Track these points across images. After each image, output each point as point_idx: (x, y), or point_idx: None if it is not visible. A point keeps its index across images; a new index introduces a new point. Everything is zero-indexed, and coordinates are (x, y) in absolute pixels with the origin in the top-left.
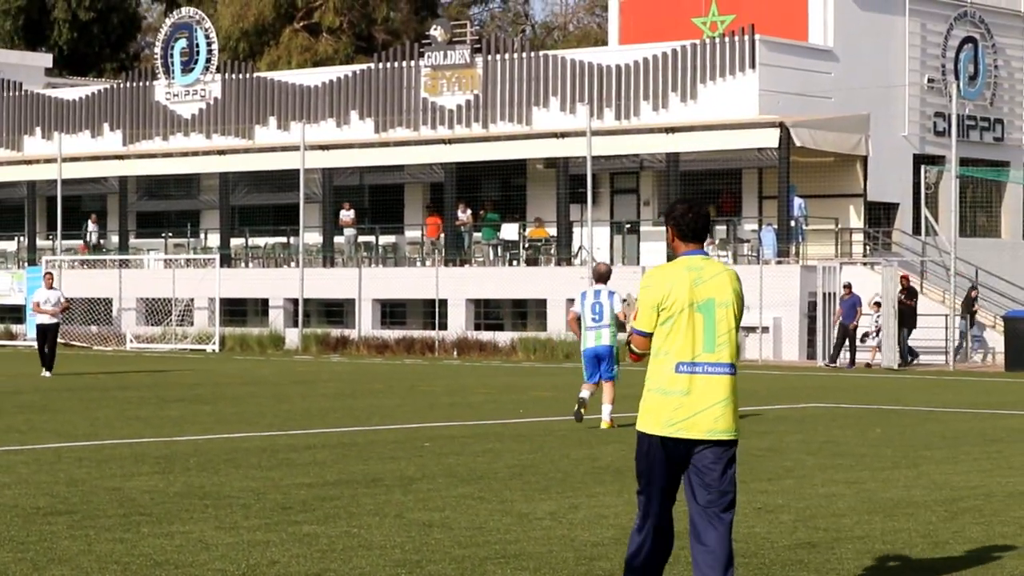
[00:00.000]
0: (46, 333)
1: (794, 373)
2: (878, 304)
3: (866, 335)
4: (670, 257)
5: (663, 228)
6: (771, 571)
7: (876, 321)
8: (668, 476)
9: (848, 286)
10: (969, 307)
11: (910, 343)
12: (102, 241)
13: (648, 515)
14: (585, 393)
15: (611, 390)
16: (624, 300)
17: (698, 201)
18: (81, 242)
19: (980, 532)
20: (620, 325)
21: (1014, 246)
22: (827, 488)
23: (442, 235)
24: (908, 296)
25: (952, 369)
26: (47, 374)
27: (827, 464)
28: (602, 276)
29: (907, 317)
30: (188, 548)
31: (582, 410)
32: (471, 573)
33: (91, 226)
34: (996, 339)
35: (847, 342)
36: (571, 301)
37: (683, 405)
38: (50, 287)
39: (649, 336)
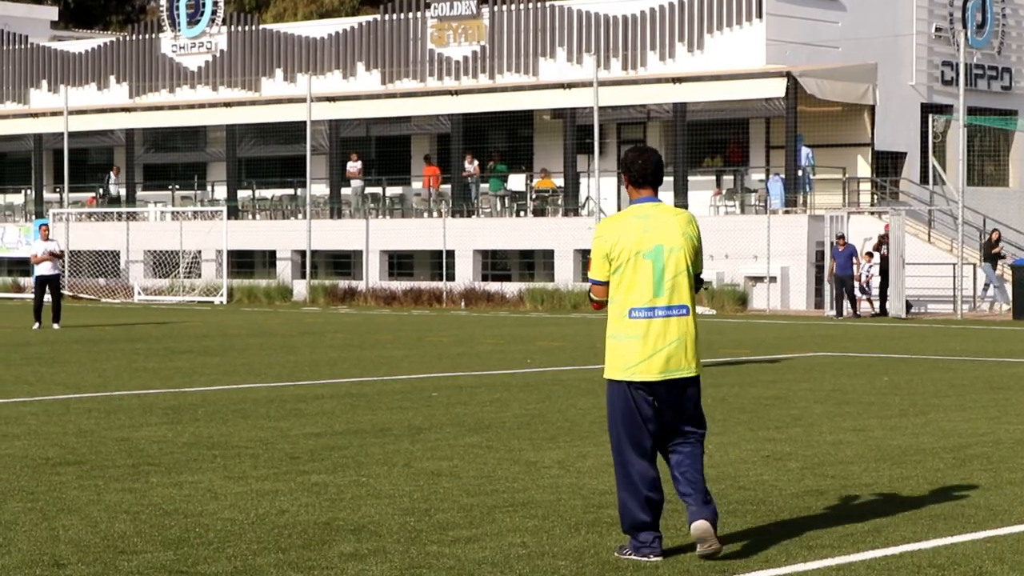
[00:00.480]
0: (46, 284)
1: (802, 322)
2: (869, 255)
3: (863, 290)
4: (679, 207)
5: (670, 178)
6: (779, 518)
7: (868, 271)
8: (642, 420)
9: (842, 237)
10: (990, 250)
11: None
12: (123, 193)
13: (626, 465)
14: None
15: None
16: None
17: (649, 148)
18: (90, 195)
19: (988, 479)
20: None
21: (1022, 195)
22: (835, 436)
23: (442, 186)
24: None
25: (960, 318)
26: (56, 326)
27: (835, 412)
28: None
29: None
30: (197, 498)
31: None
32: (479, 521)
33: (112, 178)
34: (982, 281)
35: (845, 292)
36: (579, 251)
37: (638, 349)
38: (46, 239)
39: (603, 284)
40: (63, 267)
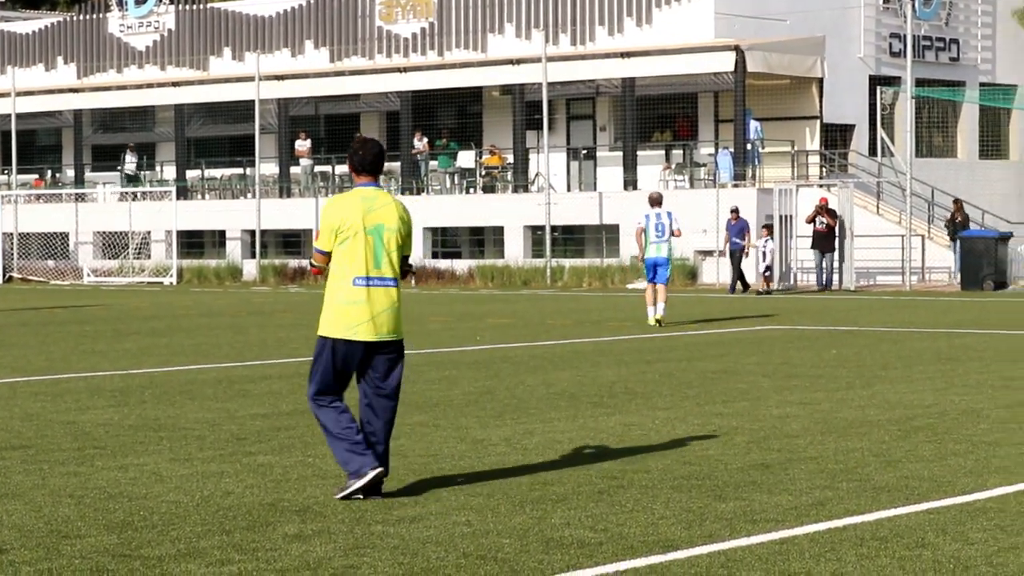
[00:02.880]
0: None
1: (751, 296)
2: (768, 228)
3: (768, 268)
4: (629, 182)
5: (619, 153)
6: (724, 492)
7: (765, 245)
8: (344, 373)
9: (735, 210)
10: (955, 231)
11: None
12: (142, 173)
13: (330, 416)
14: (649, 297)
15: (664, 292)
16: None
17: (370, 140)
18: (35, 176)
19: (932, 450)
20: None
21: (970, 166)
22: (781, 409)
23: (391, 163)
24: (830, 216)
25: (908, 289)
26: None
27: (782, 386)
28: (656, 201)
29: (826, 241)
30: (142, 480)
31: (654, 313)
32: (425, 499)
33: (129, 156)
34: (951, 259)
35: (732, 266)
36: (529, 228)
37: (359, 312)
38: None
39: (327, 255)
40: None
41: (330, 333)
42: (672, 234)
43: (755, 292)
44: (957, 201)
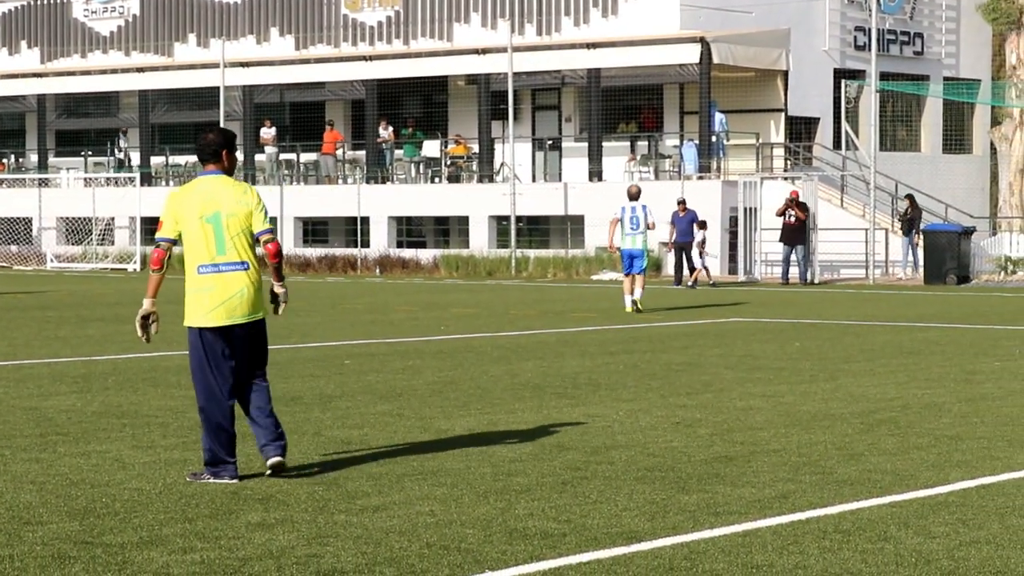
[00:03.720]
0: None
1: (715, 288)
2: (702, 223)
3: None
4: (594, 173)
5: (584, 144)
6: (687, 484)
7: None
8: (217, 359)
9: (682, 203)
10: (909, 226)
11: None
12: (130, 158)
13: (209, 407)
14: (627, 287)
15: (641, 280)
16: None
17: (211, 130)
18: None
19: (895, 443)
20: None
21: (933, 160)
22: (745, 402)
23: (357, 152)
24: (801, 210)
25: (872, 283)
26: None
27: (745, 378)
28: (634, 196)
29: (796, 234)
30: (104, 467)
31: (631, 301)
32: (388, 489)
33: (122, 142)
34: (902, 253)
35: (685, 259)
36: (494, 218)
37: (209, 299)
38: None
39: (170, 242)
40: None
41: (190, 323)
42: (647, 227)
43: (698, 285)
44: (910, 196)
